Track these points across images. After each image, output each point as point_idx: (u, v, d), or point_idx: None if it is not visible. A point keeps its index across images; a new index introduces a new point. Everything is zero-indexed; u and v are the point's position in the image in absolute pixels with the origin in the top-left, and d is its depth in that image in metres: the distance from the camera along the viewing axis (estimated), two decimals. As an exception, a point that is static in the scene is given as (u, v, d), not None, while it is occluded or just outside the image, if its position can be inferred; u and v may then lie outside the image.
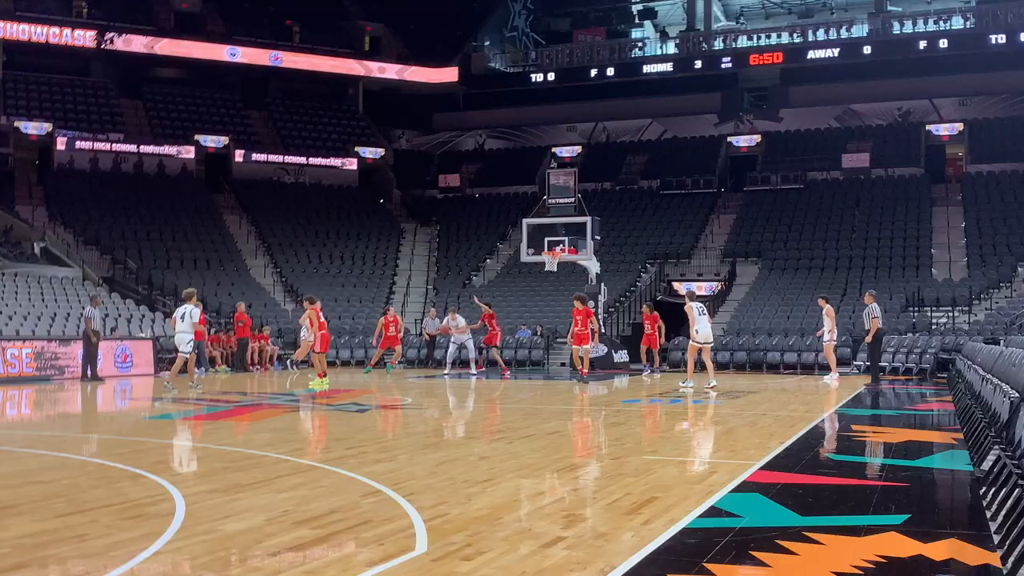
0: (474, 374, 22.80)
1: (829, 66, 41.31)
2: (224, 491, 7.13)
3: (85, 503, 6.64)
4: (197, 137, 40.93)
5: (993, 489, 6.56)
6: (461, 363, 23.75)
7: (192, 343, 18.14)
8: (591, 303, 21.47)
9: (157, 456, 9.27)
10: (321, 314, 19.08)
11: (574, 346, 20.76)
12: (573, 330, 20.56)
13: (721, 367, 23.61)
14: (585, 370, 20.32)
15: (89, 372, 21.05)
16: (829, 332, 20.81)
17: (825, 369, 22.07)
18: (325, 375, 18.52)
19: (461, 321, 23.06)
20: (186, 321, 17.76)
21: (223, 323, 27.86)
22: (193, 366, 18.81)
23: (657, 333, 23.54)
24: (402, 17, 46.84)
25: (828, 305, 21.01)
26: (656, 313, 24.01)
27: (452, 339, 23.17)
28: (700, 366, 19.21)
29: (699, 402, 15.58)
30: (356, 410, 14.42)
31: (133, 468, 8.15)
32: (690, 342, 18.62)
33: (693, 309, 18.29)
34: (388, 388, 19.13)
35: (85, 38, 39.97)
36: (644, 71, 44.09)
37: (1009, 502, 5.82)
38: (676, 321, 27.14)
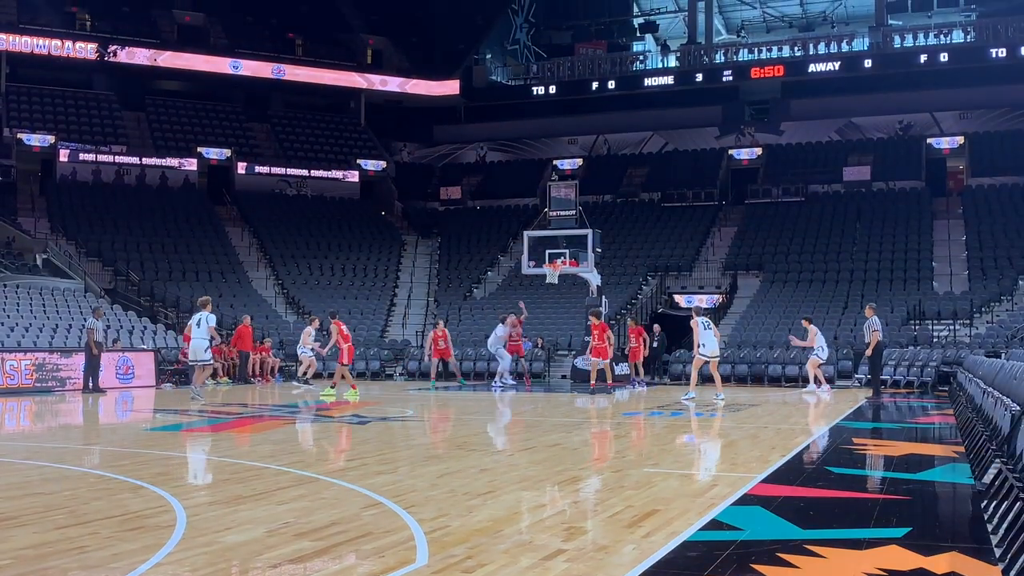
0: (506, 384, 22.91)
1: (830, 79, 41.44)
2: (225, 503, 7.13)
3: (86, 515, 6.64)
4: (199, 149, 41.06)
5: (994, 502, 6.56)
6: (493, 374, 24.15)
7: (209, 350, 18.24)
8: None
9: (158, 468, 9.26)
10: (344, 327, 19.39)
11: (592, 359, 20.95)
12: (592, 344, 20.78)
13: (723, 380, 23.56)
14: (596, 382, 20.60)
15: (91, 384, 21.05)
16: (821, 349, 21.10)
17: (827, 382, 22.08)
18: (335, 386, 18.79)
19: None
20: (202, 327, 17.92)
21: (224, 335, 27.83)
22: (202, 377, 18.83)
23: (642, 346, 23.83)
24: (404, 30, 47.07)
25: (812, 326, 21.31)
26: (641, 326, 24.40)
27: (499, 353, 23.36)
28: (702, 379, 19.22)
29: (700, 415, 15.56)
30: (357, 422, 14.42)
31: (134, 480, 8.14)
32: (696, 355, 18.69)
33: (699, 324, 18.39)
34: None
35: (87, 51, 40.16)
36: (645, 84, 44.22)
37: (1010, 515, 5.82)
38: (679, 333, 27.21)
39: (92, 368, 21.13)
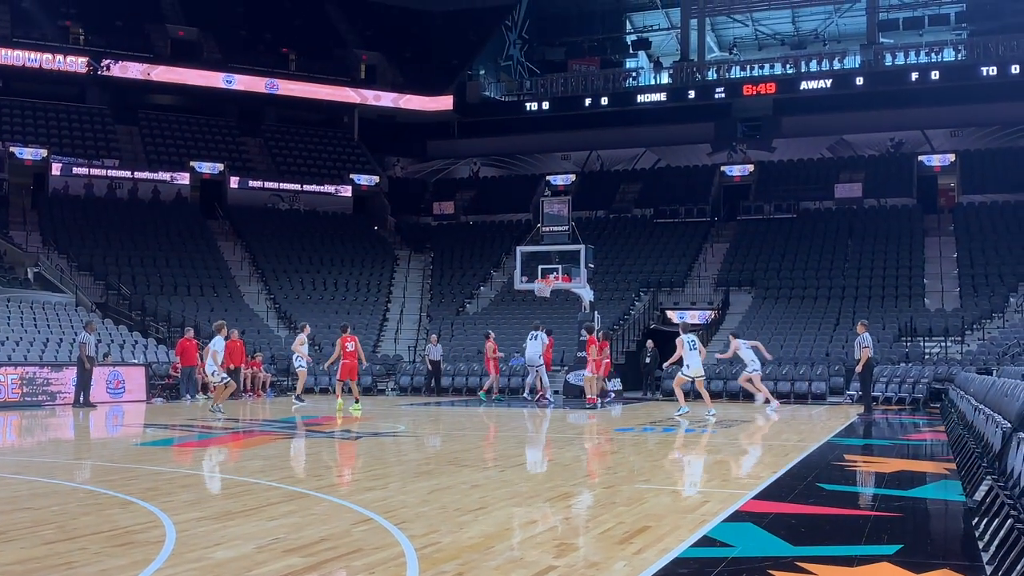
0: (549, 401, 23.04)
1: (822, 97, 41.66)
2: (215, 518, 7.09)
3: (75, 530, 6.60)
4: (192, 163, 41.05)
5: (986, 519, 6.56)
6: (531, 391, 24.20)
7: (218, 372, 18.66)
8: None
9: (148, 483, 9.21)
10: (349, 343, 19.43)
11: (587, 374, 21.16)
12: (590, 358, 20.98)
13: (714, 396, 23.56)
14: (591, 397, 20.67)
15: (81, 398, 20.95)
16: (751, 362, 20.67)
17: (818, 399, 22.10)
18: (344, 401, 18.94)
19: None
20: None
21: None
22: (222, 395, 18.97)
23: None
24: (398, 46, 47.20)
25: (737, 340, 20.84)
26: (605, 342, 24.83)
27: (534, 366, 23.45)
28: (692, 396, 19.25)
29: (692, 431, 15.55)
30: (348, 438, 14.37)
31: (124, 495, 8.11)
32: (679, 374, 18.70)
33: (684, 343, 18.37)
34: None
35: (79, 64, 40.16)
36: (638, 100, 44.40)
37: (1001, 532, 5.82)
38: (671, 349, 27.16)
39: (83, 382, 21.03)
